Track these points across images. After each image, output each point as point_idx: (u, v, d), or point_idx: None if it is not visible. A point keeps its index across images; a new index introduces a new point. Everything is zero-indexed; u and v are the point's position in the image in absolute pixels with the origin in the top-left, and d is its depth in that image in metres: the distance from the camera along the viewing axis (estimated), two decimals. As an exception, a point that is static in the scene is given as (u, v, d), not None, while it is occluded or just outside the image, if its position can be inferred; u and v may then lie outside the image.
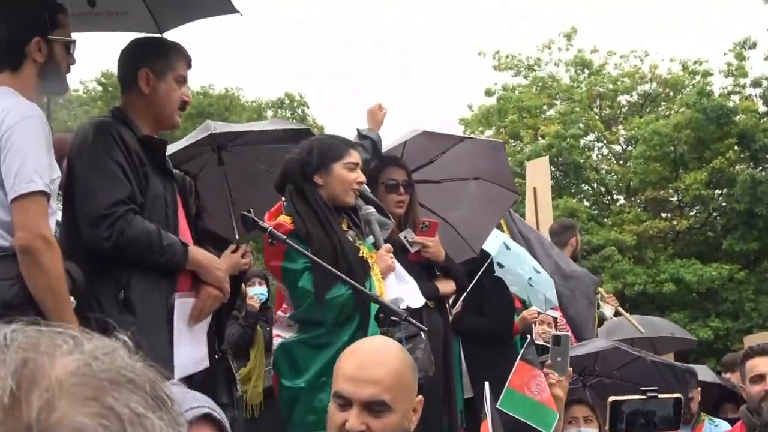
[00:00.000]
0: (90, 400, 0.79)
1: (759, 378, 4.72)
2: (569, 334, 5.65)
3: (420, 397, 2.82)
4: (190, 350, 3.91)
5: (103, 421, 0.78)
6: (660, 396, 3.65)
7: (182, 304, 3.86)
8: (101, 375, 0.81)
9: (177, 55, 4.07)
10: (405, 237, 5.26)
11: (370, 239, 4.60)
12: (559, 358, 4.90)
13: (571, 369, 5.10)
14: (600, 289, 8.47)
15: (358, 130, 5.54)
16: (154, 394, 0.84)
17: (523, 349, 5.04)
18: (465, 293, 6.13)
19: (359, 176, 4.58)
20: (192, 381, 3.95)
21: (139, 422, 0.80)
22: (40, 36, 3.63)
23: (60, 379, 0.79)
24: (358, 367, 2.70)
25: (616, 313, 9.19)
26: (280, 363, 4.46)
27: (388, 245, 4.61)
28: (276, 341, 4.47)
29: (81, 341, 0.84)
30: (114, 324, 3.19)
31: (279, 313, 4.57)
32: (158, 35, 4.75)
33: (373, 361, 2.72)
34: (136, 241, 3.66)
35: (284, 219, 4.44)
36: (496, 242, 6.58)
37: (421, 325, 4.06)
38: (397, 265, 4.58)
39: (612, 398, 3.62)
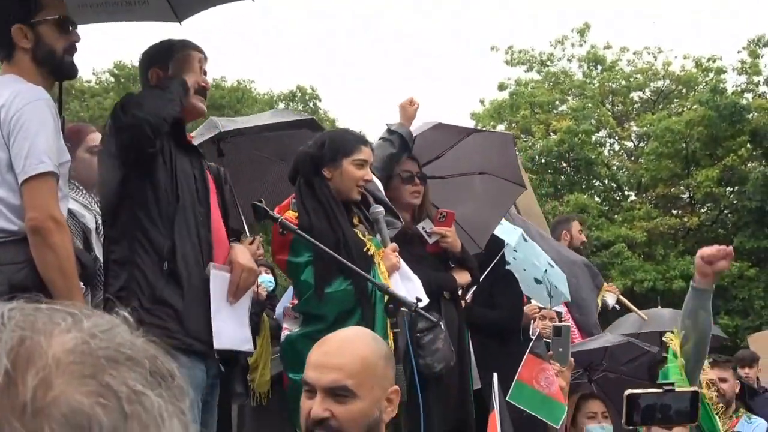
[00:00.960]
0: (87, 378, 0.77)
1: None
2: (570, 324, 5.65)
3: (396, 387, 2.76)
4: (232, 326, 3.95)
5: (101, 399, 0.77)
6: (677, 389, 3.61)
7: (217, 277, 3.89)
8: (99, 353, 0.80)
9: (182, 48, 4.10)
10: (423, 228, 5.27)
11: (379, 237, 4.60)
12: (560, 349, 4.92)
13: (572, 360, 5.10)
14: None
15: (387, 125, 5.54)
16: (154, 369, 0.82)
17: (532, 342, 5.05)
18: (475, 285, 6.12)
19: (366, 174, 4.60)
20: (238, 364, 3.95)
21: (137, 400, 0.78)
22: (20, 22, 3.58)
23: (57, 358, 0.78)
24: (323, 354, 2.70)
25: (618, 301, 9.19)
26: (285, 356, 4.50)
27: (394, 244, 4.61)
28: (284, 334, 4.49)
29: (80, 318, 0.83)
30: (116, 301, 3.23)
31: (287, 305, 4.59)
32: (168, 39, 4.78)
33: (338, 348, 2.70)
34: (147, 108, 3.72)
35: (290, 215, 4.47)
36: (515, 233, 6.57)
37: (429, 316, 4.03)
38: (402, 263, 4.58)
39: (628, 391, 3.58)
